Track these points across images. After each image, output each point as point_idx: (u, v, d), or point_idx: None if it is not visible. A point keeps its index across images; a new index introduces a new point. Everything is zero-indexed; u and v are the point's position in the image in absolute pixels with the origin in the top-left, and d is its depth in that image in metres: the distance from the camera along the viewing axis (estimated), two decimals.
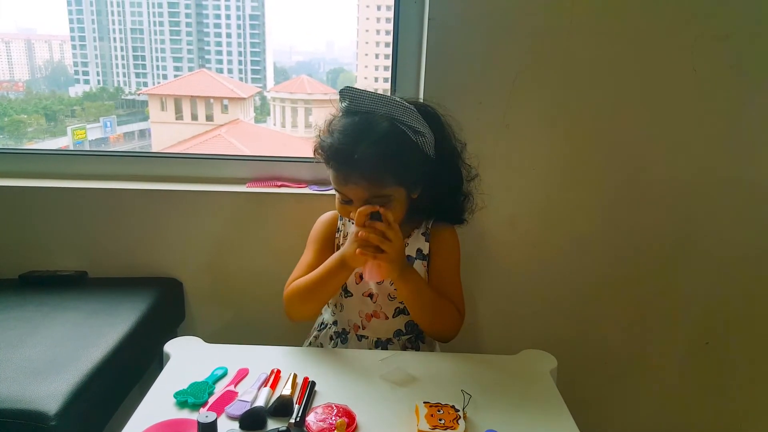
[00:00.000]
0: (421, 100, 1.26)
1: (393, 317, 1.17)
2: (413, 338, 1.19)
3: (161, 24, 2.47)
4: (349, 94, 1.09)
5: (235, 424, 0.85)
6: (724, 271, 1.47)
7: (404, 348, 1.19)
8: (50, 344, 1.10)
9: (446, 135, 1.16)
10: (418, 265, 1.16)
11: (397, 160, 1.05)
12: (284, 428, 0.82)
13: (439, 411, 0.87)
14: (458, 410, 0.87)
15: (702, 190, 1.41)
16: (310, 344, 1.25)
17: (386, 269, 1.03)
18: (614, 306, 1.51)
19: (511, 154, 1.38)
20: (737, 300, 1.50)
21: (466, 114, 1.33)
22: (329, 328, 1.22)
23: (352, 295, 1.18)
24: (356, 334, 1.18)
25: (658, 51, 1.31)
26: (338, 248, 1.19)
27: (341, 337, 1.20)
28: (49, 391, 0.94)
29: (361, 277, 1.16)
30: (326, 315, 1.26)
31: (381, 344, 1.17)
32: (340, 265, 1.07)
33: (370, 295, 1.16)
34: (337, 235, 1.22)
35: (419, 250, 1.17)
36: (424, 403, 0.89)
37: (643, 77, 1.33)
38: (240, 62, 2.59)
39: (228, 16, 2.49)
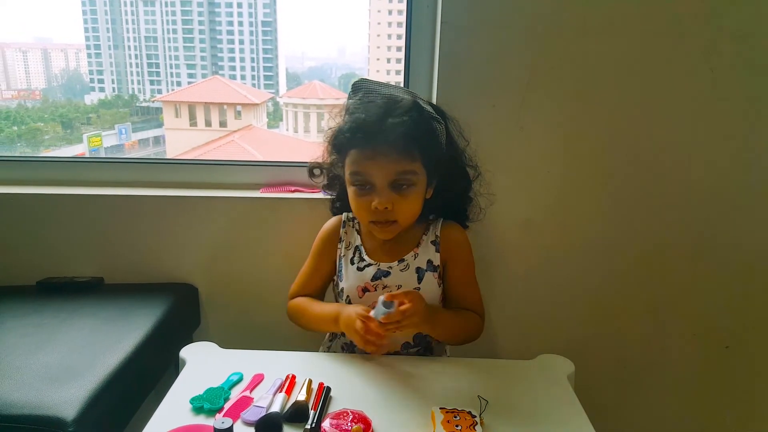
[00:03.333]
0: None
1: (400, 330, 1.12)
2: (422, 350, 1.16)
3: (175, 32, 2.49)
4: (363, 86, 1.09)
5: (251, 430, 0.84)
6: (743, 273, 1.45)
7: None
8: (67, 350, 1.11)
9: (453, 133, 1.14)
10: (429, 277, 1.12)
11: (423, 135, 1.04)
12: None
13: (455, 417, 0.86)
14: (475, 416, 0.87)
15: (720, 191, 1.39)
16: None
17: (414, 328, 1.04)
18: (631, 309, 1.49)
19: (525, 156, 1.37)
20: (757, 303, 1.48)
21: (479, 117, 1.32)
22: (340, 338, 1.20)
23: None
24: None
25: (675, 52, 1.30)
26: (340, 260, 1.17)
27: (351, 350, 1.17)
28: (66, 397, 0.95)
29: (363, 290, 1.13)
30: None
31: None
32: (334, 324, 1.08)
33: None
34: (339, 246, 1.18)
35: (430, 262, 1.13)
36: (440, 409, 0.88)
37: (658, 78, 1.31)
38: (253, 68, 2.61)
39: (240, 23, 2.50)
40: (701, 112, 1.34)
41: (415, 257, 1.13)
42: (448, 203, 1.17)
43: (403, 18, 1.42)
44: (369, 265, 1.13)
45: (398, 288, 1.10)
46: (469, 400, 0.92)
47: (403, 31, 1.43)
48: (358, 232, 1.18)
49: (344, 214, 1.20)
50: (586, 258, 1.45)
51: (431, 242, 1.14)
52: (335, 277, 1.19)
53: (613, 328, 1.50)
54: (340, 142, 1.08)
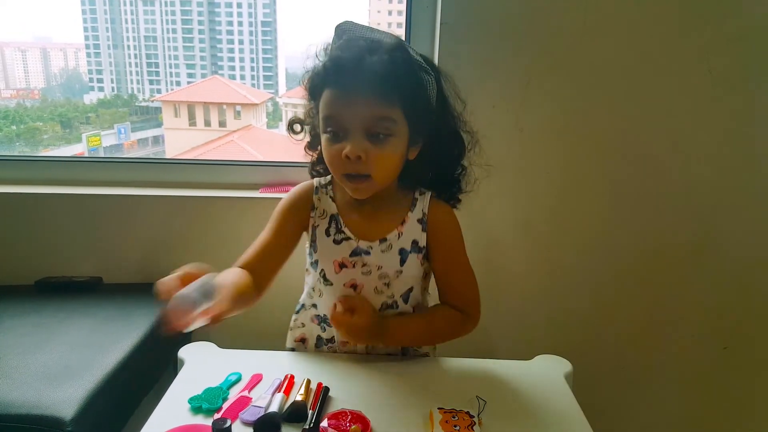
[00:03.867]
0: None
1: (380, 310, 1.03)
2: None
3: (174, 31, 2.49)
4: (348, 28, 0.96)
5: (250, 430, 0.84)
6: (742, 273, 1.45)
7: None
8: (66, 350, 1.11)
9: (444, 91, 1.00)
10: (413, 259, 1.01)
11: (406, 79, 0.91)
12: None
13: (453, 417, 0.86)
14: (473, 416, 0.87)
15: (718, 192, 1.40)
16: (290, 329, 1.16)
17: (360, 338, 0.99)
18: (629, 310, 1.49)
19: (524, 157, 1.37)
20: (756, 303, 1.48)
21: (479, 118, 1.31)
22: (309, 309, 1.11)
23: (332, 284, 1.04)
24: None
25: (673, 53, 1.30)
26: (313, 229, 1.04)
27: (325, 322, 1.08)
28: (65, 396, 0.95)
29: (341, 266, 1.02)
30: (303, 295, 1.14)
31: None
32: None
33: (354, 286, 1.02)
34: (312, 214, 1.05)
35: (415, 242, 1.01)
36: (439, 409, 0.88)
37: (657, 79, 1.32)
38: (252, 68, 2.60)
39: (240, 23, 2.50)
40: (700, 113, 1.34)
41: (399, 237, 1.01)
42: (438, 171, 1.05)
43: (402, 19, 1.43)
44: (347, 239, 1.01)
45: (378, 269, 1.01)
46: (468, 400, 0.92)
47: (402, 31, 1.43)
48: (333, 200, 1.04)
49: (316, 180, 1.08)
50: (585, 258, 1.45)
51: (417, 220, 1.02)
52: (307, 247, 1.07)
53: (612, 328, 1.50)
54: (314, 84, 0.96)
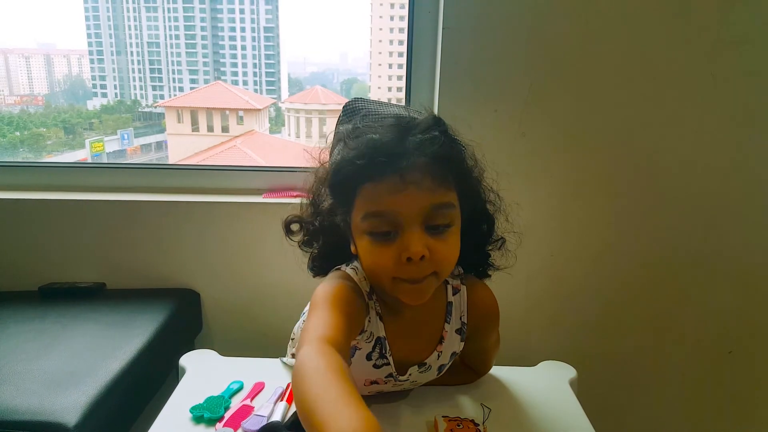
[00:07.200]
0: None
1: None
2: None
3: (177, 38, 2.50)
4: (362, 106, 0.84)
5: None
6: (747, 278, 1.45)
7: None
8: (69, 356, 1.11)
9: (467, 157, 0.85)
10: (450, 365, 0.95)
11: (457, 158, 0.80)
12: None
13: (458, 425, 0.86)
14: (478, 425, 0.86)
15: (723, 197, 1.39)
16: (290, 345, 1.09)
17: None
18: (634, 315, 1.48)
19: (527, 162, 1.37)
20: (760, 308, 1.47)
21: (481, 123, 1.32)
22: None
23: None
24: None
25: (676, 57, 1.30)
26: (353, 349, 0.86)
27: None
28: (68, 403, 0.95)
29: (372, 383, 0.91)
30: None
31: None
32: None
33: (380, 393, 0.96)
34: (358, 337, 0.86)
35: (453, 353, 0.92)
36: (443, 417, 0.88)
37: (660, 84, 1.31)
38: (255, 74, 2.61)
39: (243, 29, 2.51)
40: (704, 117, 1.33)
41: (438, 357, 0.90)
42: (471, 250, 0.88)
43: (404, 24, 1.43)
44: (387, 364, 0.88)
45: (412, 383, 0.94)
46: (472, 407, 0.92)
47: (404, 36, 1.43)
48: (380, 317, 0.86)
49: (360, 287, 0.85)
50: (588, 264, 1.44)
51: (456, 331, 0.90)
52: None
53: (617, 333, 1.50)
54: (346, 178, 0.77)
